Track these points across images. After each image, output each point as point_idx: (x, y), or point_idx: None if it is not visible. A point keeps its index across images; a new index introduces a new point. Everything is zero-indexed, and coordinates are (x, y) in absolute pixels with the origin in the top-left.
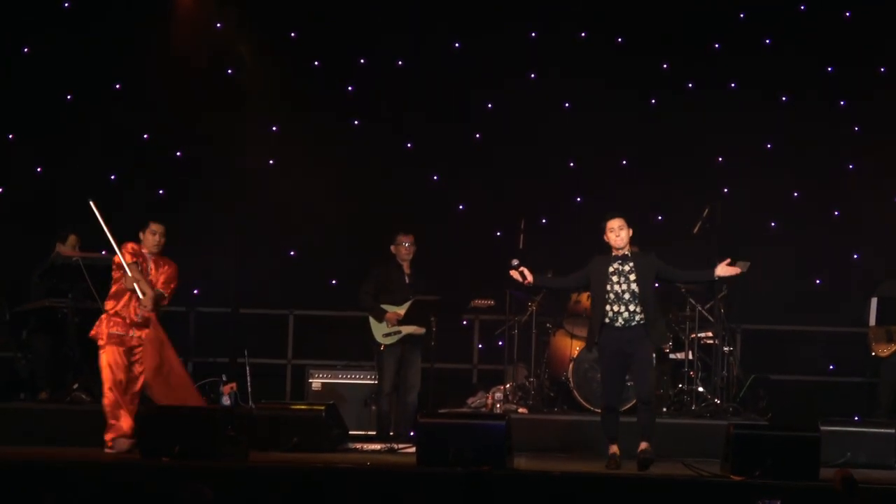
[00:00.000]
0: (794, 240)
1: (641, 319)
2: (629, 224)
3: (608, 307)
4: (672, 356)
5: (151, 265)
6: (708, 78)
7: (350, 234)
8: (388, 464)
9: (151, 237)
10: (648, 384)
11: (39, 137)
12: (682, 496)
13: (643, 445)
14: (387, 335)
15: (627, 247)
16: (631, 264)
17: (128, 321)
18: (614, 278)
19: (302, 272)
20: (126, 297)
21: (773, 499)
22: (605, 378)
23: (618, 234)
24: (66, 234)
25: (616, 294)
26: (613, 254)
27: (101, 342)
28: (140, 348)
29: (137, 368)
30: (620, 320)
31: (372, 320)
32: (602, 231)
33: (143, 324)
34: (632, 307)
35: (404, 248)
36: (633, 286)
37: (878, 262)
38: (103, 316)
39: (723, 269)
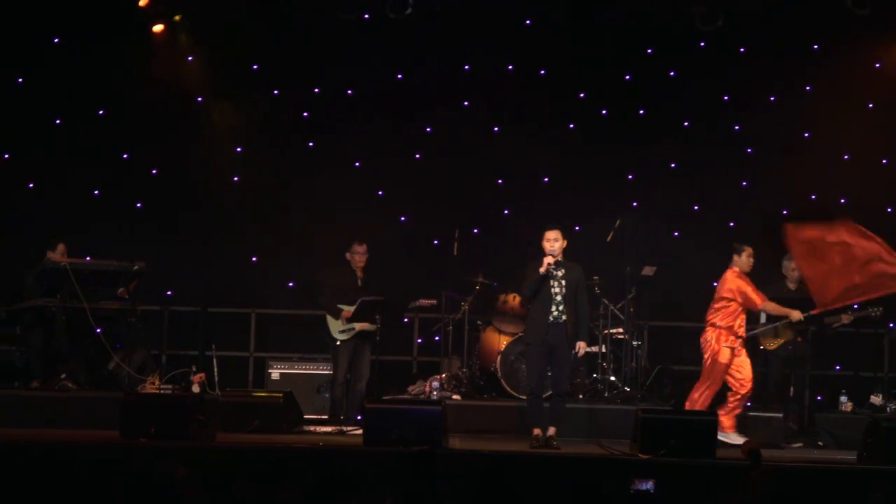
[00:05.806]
0: (694, 247)
1: (565, 319)
2: (564, 236)
3: (552, 306)
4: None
5: None
6: (619, 105)
7: (304, 242)
8: (338, 444)
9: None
10: (565, 378)
11: (31, 157)
12: (596, 472)
13: (552, 430)
14: (342, 332)
15: (560, 255)
16: (563, 270)
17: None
18: (551, 281)
19: (262, 276)
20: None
21: (647, 479)
22: (531, 368)
23: (552, 244)
24: (55, 243)
25: (550, 295)
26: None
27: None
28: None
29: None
30: (551, 318)
31: (329, 318)
32: (540, 239)
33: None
34: (561, 307)
35: (358, 255)
36: (564, 290)
37: (767, 269)
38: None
39: (580, 348)
